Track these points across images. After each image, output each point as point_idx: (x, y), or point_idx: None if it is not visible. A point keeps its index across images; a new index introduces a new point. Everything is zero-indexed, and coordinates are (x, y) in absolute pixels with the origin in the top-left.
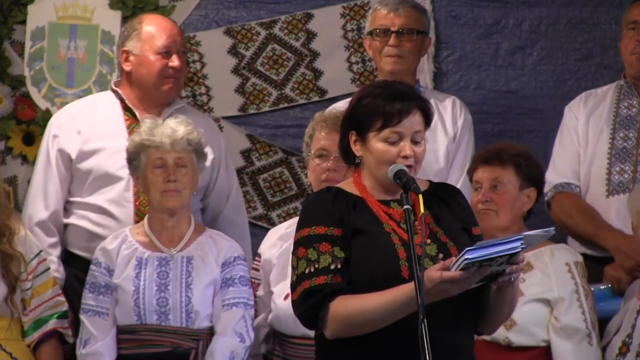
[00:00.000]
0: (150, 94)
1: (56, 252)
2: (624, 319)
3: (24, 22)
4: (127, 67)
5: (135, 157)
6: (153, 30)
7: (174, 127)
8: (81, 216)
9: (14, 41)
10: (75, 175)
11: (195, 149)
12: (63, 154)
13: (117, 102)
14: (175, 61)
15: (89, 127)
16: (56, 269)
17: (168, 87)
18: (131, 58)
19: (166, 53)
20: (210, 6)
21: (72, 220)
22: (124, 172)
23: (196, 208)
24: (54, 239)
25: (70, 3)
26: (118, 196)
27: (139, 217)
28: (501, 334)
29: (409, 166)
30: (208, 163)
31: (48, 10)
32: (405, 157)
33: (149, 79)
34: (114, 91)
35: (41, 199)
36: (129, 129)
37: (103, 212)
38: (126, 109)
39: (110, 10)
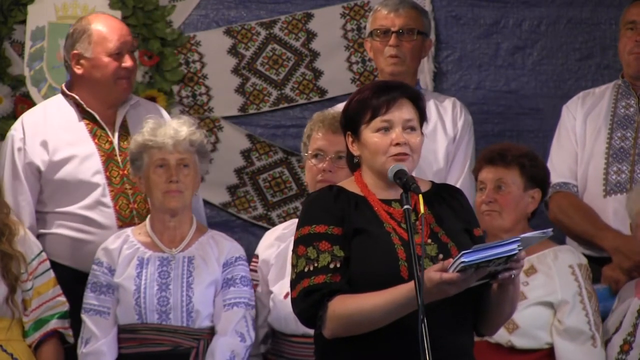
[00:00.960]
0: (105, 95)
1: None
2: (623, 318)
3: (24, 22)
4: (78, 70)
5: (137, 157)
6: (104, 31)
7: (177, 128)
8: (60, 225)
9: (14, 41)
10: (48, 187)
11: (197, 149)
12: (32, 167)
13: (72, 107)
14: (127, 61)
15: (54, 137)
16: None
17: (122, 87)
18: (82, 61)
19: (118, 54)
20: (210, 6)
21: (51, 230)
22: (98, 178)
23: None
24: None
25: (70, 3)
26: (96, 202)
27: (121, 221)
28: (503, 337)
29: (405, 155)
30: None
31: (48, 10)
32: (398, 144)
33: (103, 81)
34: (68, 95)
35: (14, 215)
36: (92, 132)
37: (84, 220)
38: (84, 112)
39: (110, 11)
